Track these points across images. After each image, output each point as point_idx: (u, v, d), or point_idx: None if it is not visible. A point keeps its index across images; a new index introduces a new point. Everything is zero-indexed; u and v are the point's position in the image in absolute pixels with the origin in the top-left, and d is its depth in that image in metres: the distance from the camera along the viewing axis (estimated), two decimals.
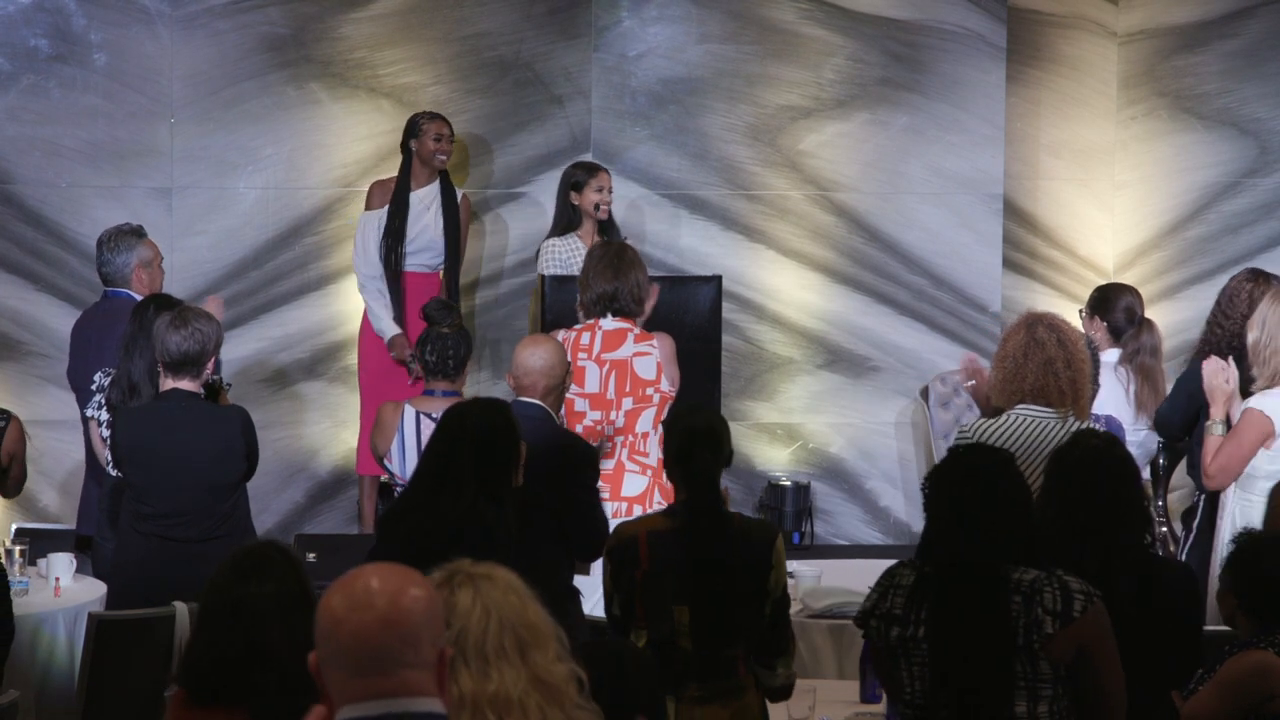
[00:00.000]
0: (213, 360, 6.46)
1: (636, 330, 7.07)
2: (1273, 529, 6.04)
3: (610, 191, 8.62)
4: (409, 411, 6.73)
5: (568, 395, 6.74)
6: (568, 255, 8.43)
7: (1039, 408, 5.94)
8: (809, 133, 9.41)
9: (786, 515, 9.17)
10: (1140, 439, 7.43)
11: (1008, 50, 9.52)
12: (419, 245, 8.80)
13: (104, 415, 6.83)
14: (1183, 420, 6.99)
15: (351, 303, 9.03)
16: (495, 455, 5.27)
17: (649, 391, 7.02)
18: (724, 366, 8.56)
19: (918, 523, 9.29)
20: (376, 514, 8.36)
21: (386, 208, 8.78)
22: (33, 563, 6.83)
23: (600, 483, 6.27)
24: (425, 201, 8.82)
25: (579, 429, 6.89)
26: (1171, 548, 7.48)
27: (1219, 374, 6.51)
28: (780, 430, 9.45)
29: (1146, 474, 7.61)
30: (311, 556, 7.55)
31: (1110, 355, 7.56)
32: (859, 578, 6.51)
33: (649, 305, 7.20)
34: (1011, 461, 4.48)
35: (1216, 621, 5.59)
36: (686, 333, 7.84)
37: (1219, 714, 4.98)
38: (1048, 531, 4.58)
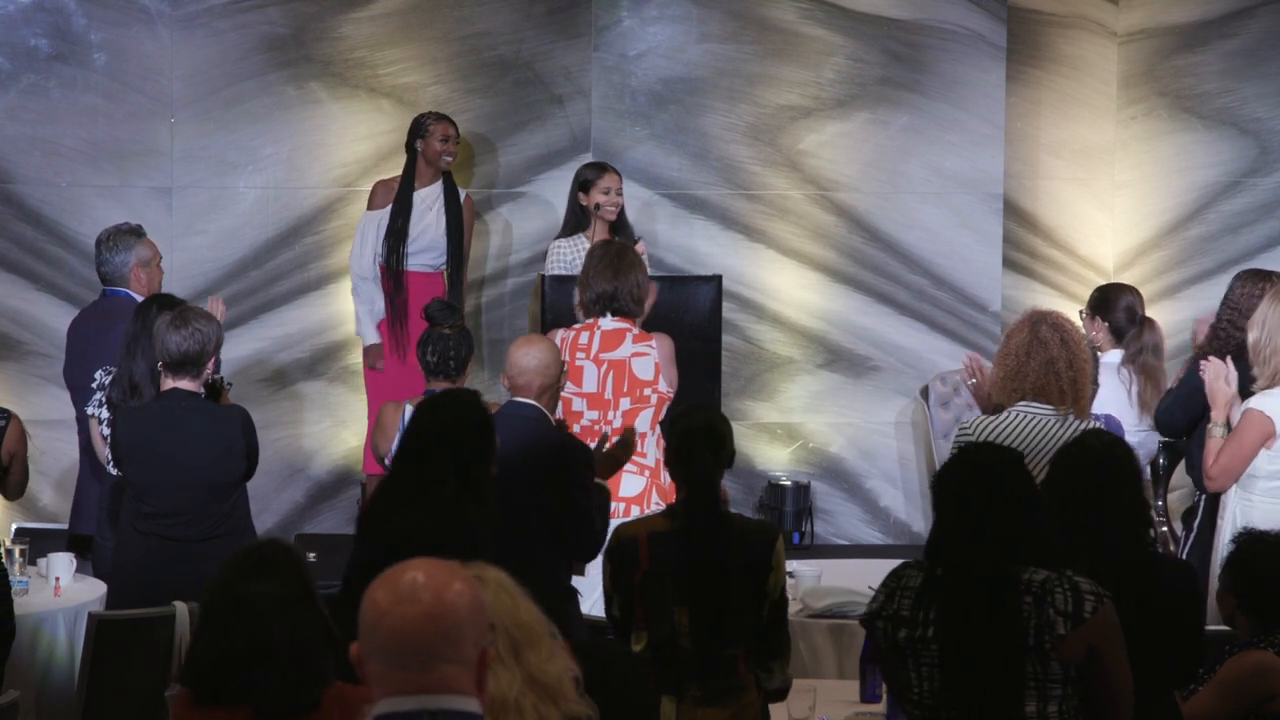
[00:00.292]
0: (213, 360, 6.46)
1: (635, 330, 7.06)
2: None
3: (619, 193, 8.49)
4: (409, 412, 6.71)
5: (565, 394, 6.73)
6: (573, 256, 8.37)
7: (1039, 406, 5.95)
8: (809, 132, 9.41)
9: (786, 515, 9.17)
10: (1141, 439, 7.42)
11: (1008, 50, 9.51)
12: (421, 245, 8.79)
13: (104, 414, 6.83)
14: (1189, 417, 6.97)
15: (351, 302, 9.01)
16: (471, 448, 5.21)
17: (646, 392, 7.00)
18: (724, 366, 8.56)
19: (918, 522, 9.31)
20: None
21: (388, 208, 8.78)
22: (33, 562, 6.83)
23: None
24: (428, 201, 8.81)
25: (576, 429, 6.87)
26: (1171, 548, 7.48)
27: (1219, 376, 6.50)
28: (780, 430, 9.45)
29: (1147, 474, 7.60)
30: (312, 556, 7.55)
31: (1113, 356, 7.56)
32: (859, 577, 6.52)
33: (648, 304, 7.19)
34: (1021, 461, 4.46)
35: (1216, 621, 5.58)
36: (686, 332, 7.84)
37: (1219, 714, 4.98)
38: (1048, 531, 4.58)
